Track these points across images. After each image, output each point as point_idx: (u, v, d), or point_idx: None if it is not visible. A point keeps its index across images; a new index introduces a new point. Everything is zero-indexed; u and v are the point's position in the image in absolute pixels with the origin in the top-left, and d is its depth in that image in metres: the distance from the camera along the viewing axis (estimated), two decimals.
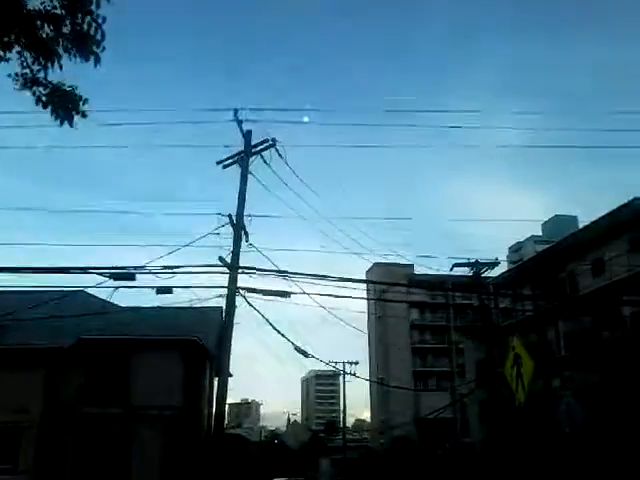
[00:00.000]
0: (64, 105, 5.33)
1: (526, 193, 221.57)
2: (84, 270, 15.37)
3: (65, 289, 19.25)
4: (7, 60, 5.24)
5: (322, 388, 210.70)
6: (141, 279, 15.97)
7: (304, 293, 17.42)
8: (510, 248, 75.83)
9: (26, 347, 25.90)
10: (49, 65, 5.13)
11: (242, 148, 18.08)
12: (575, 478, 26.57)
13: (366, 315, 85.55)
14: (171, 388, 26.52)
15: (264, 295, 17.41)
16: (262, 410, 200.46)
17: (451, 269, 28.25)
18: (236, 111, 17.68)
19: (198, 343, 27.92)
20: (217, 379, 21.19)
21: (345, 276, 16.63)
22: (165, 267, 15.33)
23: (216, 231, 17.18)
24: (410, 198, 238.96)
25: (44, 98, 5.33)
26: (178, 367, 27.43)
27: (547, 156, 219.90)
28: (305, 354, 22.00)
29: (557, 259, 37.72)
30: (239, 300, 17.60)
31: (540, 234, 74.06)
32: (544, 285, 39.35)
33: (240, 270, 17.30)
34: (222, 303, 18.45)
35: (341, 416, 73.49)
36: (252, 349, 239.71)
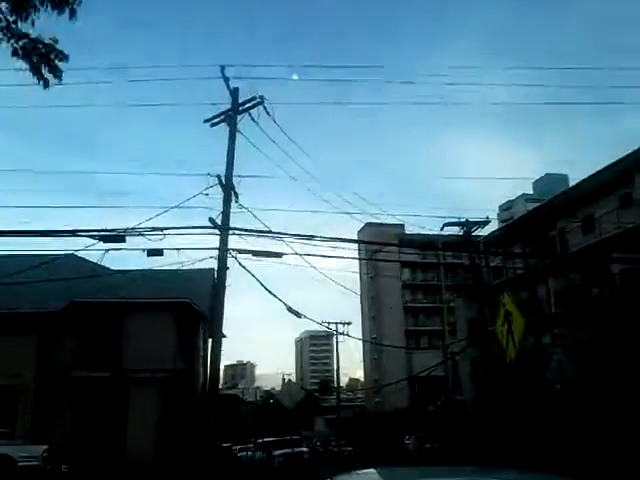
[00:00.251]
0: (43, 59, 5.17)
1: (518, 151, 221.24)
2: (73, 233, 15.22)
3: (55, 252, 19.17)
4: None
5: (316, 348, 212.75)
6: (131, 242, 15.87)
7: (296, 254, 17.37)
8: (501, 207, 75.95)
9: (18, 312, 25.87)
10: (25, 16, 4.95)
11: (230, 106, 17.79)
12: (566, 434, 27.01)
13: (358, 275, 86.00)
14: (164, 350, 26.63)
15: (255, 256, 17.35)
16: (257, 371, 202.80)
17: (442, 228, 28.26)
18: (223, 68, 17.33)
19: (190, 305, 27.97)
20: (211, 341, 21.29)
21: (337, 236, 16.58)
22: (155, 229, 15.21)
23: (205, 192, 17.01)
24: (401, 157, 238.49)
25: (20, 51, 5.17)
26: (171, 329, 27.52)
27: (539, 114, 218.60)
28: (298, 315, 22.01)
29: (547, 217, 37.80)
30: (231, 262, 17.56)
31: (531, 192, 74.19)
32: (534, 243, 39.49)
33: (231, 231, 17.21)
34: (213, 265, 18.41)
35: (335, 376, 74.36)
36: (246, 311, 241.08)
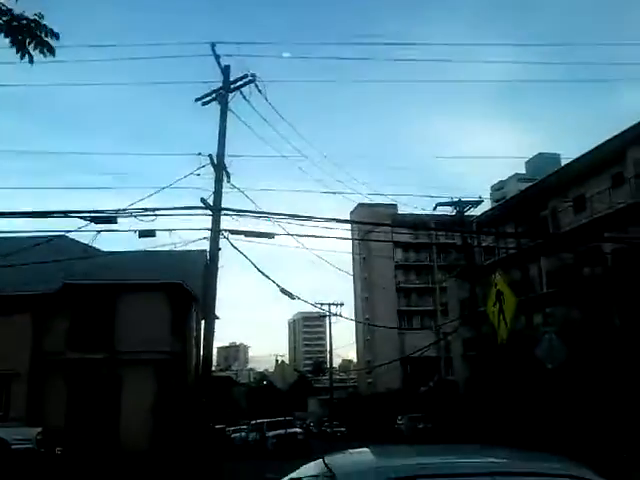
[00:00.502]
0: (27, 35, 5.05)
1: (510, 131, 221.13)
2: (64, 214, 15.13)
3: (46, 234, 19.00)
4: None
5: (309, 330, 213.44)
6: (123, 223, 15.80)
7: (288, 234, 17.33)
8: (493, 186, 76.03)
9: (11, 294, 25.76)
10: None
11: (221, 84, 17.61)
12: (558, 413, 27.21)
13: (351, 256, 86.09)
14: (158, 332, 26.63)
15: (248, 237, 17.29)
16: (250, 353, 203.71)
17: (434, 208, 28.25)
18: (214, 45, 17.11)
19: (183, 286, 27.93)
20: (203, 322, 21.28)
21: (329, 217, 16.54)
22: (146, 209, 15.12)
23: (197, 172, 16.88)
24: (393, 136, 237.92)
25: (5, 26, 5.05)
26: (164, 311, 27.51)
27: (532, 92, 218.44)
28: (291, 296, 21.99)
29: (539, 197, 37.83)
30: (223, 243, 17.50)
31: (524, 172, 74.26)
32: (527, 223, 39.57)
33: (223, 212, 17.13)
34: (206, 246, 18.34)
35: (328, 357, 74.61)
36: (239, 293, 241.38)
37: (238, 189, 17.78)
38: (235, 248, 17.50)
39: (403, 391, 60.33)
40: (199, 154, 16.98)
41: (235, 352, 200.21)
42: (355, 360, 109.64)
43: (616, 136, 29.94)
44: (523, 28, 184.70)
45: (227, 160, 17.48)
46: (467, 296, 39.11)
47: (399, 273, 79.80)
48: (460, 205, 28.11)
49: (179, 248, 20.45)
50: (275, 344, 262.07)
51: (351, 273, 79.11)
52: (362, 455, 4.38)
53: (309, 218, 16.47)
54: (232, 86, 17.57)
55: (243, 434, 41.37)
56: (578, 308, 32.00)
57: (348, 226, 67.53)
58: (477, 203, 29.20)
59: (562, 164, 40.00)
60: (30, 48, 5.29)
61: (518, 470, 3.63)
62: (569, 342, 22.10)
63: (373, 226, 48.87)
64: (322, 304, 50.51)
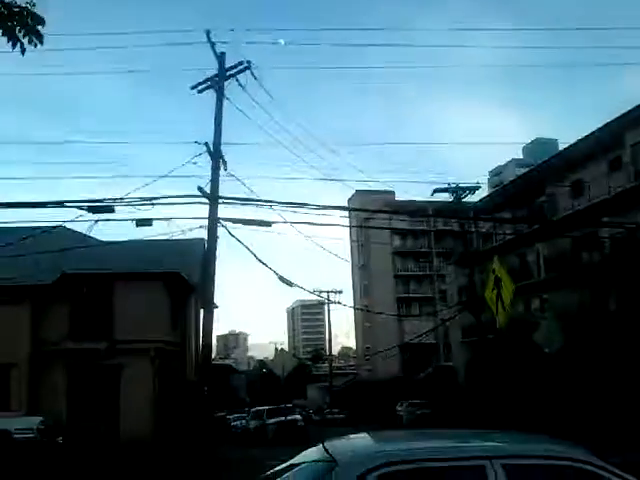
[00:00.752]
0: (19, 24, 4.98)
1: (508, 116, 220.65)
2: (61, 204, 15.11)
3: (43, 224, 18.97)
4: None
5: (308, 317, 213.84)
6: (120, 212, 15.76)
7: (286, 222, 17.32)
8: (491, 172, 75.82)
9: (10, 284, 25.73)
10: None
11: (216, 72, 17.53)
12: (556, 398, 27.35)
13: (349, 244, 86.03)
14: (156, 321, 26.66)
15: (245, 225, 17.31)
16: (250, 341, 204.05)
17: (432, 194, 28.25)
18: (208, 32, 17.02)
19: (181, 276, 27.92)
20: (202, 311, 21.32)
21: (327, 204, 16.54)
22: (143, 199, 15.10)
23: (193, 160, 16.85)
24: (390, 123, 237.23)
25: None
26: (163, 300, 27.52)
27: (530, 77, 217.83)
28: (290, 284, 22.02)
29: (537, 182, 37.78)
30: (221, 231, 17.49)
31: (521, 157, 74.12)
32: (524, 208, 39.55)
33: (220, 200, 17.12)
34: (203, 234, 18.34)
35: (327, 345, 74.85)
36: (238, 281, 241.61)
37: (235, 177, 17.77)
38: (233, 236, 17.52)
39: (402, 377, 60.54)
40: (195, 142, 16.95)
41: (234, 340, 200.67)
42: (354, 347, 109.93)
43: (614, 120, 29.84)
44: (520, 12, 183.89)
45: (224, 148, 17.45)
46: (466, 282, 39.20)
47: (397, 260, 79.71)
48: (458, 191, 28.11)
49: (177, 237, 20.48)
50: (274, 332, 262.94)
51: (349, 260, 79.21)
52: (361, 440, 4.41)
53: (307, 205, 16.47)
54: (228, 73, 17.50)
55: (243, 422, 41.55)
56: (576, 293, 32.04)
57: (346, 213, 67.58)
58: (475, 189, 29.19)
59: (560, 149, 39.93)
60: (20, 36, 5.20)
61: (516, 453, 3.66)
62: (567, 327, 22.23)
63: (371, 213, 48.88)
64: (321, 292, 50.65)
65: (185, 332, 30.87)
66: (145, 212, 15.43)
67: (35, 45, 5.25)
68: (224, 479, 15.31)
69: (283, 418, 32.41)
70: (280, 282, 20.48)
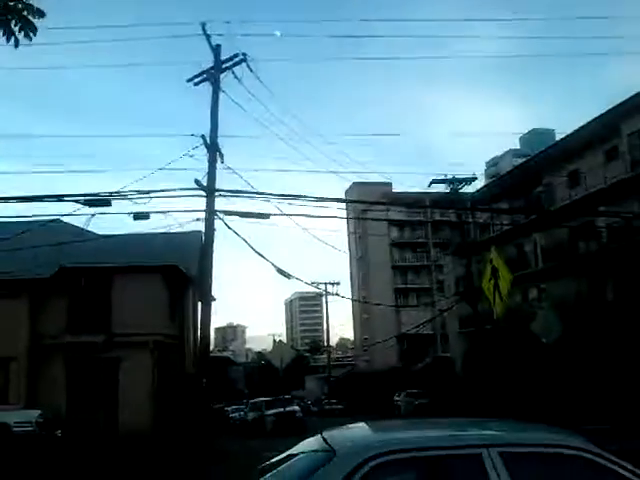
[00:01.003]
0: (16, 17, 4.96)
1: (505, 106, 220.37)
2: (58, 198, 15.11)
3: (41, 218, 18.98)
4: None
5: (306, 309, 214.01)
6: (117, 206, 15.80)
7: (283, 214, 17.35)
8: (487, 163, 75.79)
9: (7, 278, 25.73)
10: None
11: (212, 64, 17.50)
12: (553, 388, 27.44)
13: (346, 235, 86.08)
14: (154, 314, 26.67)
15: (243, 217, 17.33)
16: (248, 333, 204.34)
17: (429, 185, 28.29)
18: (204, 25, 16.98)
19: (178, 269, 27.93)
20: (200, 304, 21.35)
21: (324, 196, 16.55)
22: (140, 192, 15.10)
23: (190, 153, 16.85)
24: (387, 114, 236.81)
25: None
26: (160, 293, 27.54)
27: (526, 67, 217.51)
28: (287, 276, 22.10)
29: (534, 173, 37.80)
30: (218, 224, 17.52)
31: (518, 148, 74.08)
32: (521, 199, 39.58)
33: (217, 193, 17.13)
34: (201, 227, 18.36)
35: (325, 336, 74.98)
36: (235, 274, 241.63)
37: (232, 170, 17.78)
38: (230, 229, 17.56)
39: (400, 368, 60.71)
40: (192, 135, 16.95)
41: (232, 332, 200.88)
42: (352, 338, 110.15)
43: (610, 110, 29.84)
44: (518, 1, 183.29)
45: (220, 141, 17.45)
46: (463, 273, 39.28)
47: (395, 251, 79.82)
48: (454, 182, 28.14)
49: (174, 230, 20.52)
50: (272, 324, 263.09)
51: (347, 252, 79.32)
52: (359, 430, 4.43)
53: (304, 197, 16.48)
54: (223, 66, 17.47)
55: (242, 413, 41.68)
56: (573, 283, 32.12)
57: (344, 205, 67.59)
58: (471, 180, 29.26)
59: (557, 139, 39.93)
60: (16, 30, 5.17)
61: (514, 441, 3.69)
62: (564, 317, 22.28)
63: (368, 205, 48.90)
64: (318, 283, 50.72)
65: (183, 325, 30.91)
66: (142, 205, 15.45)
67: (30, 39, 5.23)
68: (222, 470, 15.37)
69: (281, 409, 32.52)
70: (278, 274, 20.54)
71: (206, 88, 17.57)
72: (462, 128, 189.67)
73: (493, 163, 75.52)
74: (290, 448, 4.23)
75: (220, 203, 17.23)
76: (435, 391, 41.95)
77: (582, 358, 26.86)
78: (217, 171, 17.29)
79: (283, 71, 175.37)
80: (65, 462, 17.53)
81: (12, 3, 4.96)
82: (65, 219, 22.67)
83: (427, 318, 53.08)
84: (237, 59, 17.23)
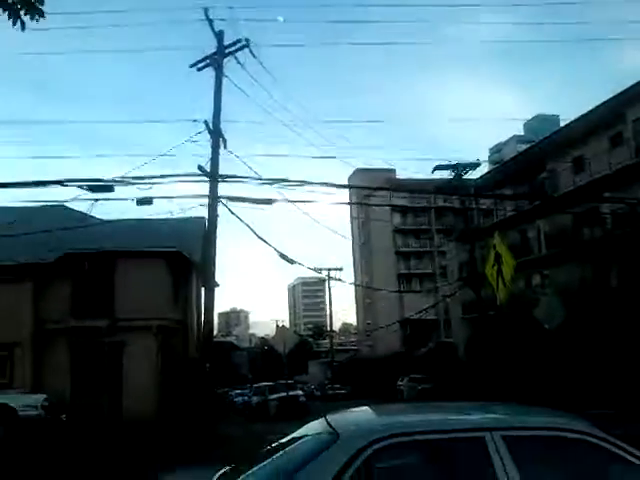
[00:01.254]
0: (22, 1, 4.94)
1: (509, 92, 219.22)
2: (61, 183, 15.06)
3: (44, 203, 18.99)
4: None
5: (308, 294, 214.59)
6: (120, 191, 15.76)
7: (286, 200, 17.33)
8: (491, 149, 75.60)
9: (11, 264, 25.79)
10: None
11: (215, 50, 17.41)
12: (557, 372, 27.51)
13: (349, 221, 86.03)
14: (158, 299, 26.73)
15: (246, 202, 17.29)
16: (251, 318, 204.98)
17: (432, 171, 28.19)
18: (207, 10, 16.87)
19: (182, 254, 27.96)
20: (204, 289, 21.39)
21: (327, 182, 16.51)
22: (143, 177, 15.08)
23: (193, 139, 16.80)
24: (390, 100, 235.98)
25: None
26: (164, 278, 27.59)
27: (531, 52, 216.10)
28: (290, 261, 22.10)
29: (538, 159, 37.65)
30: (221, 210, 17.51)
31: (522, 134, 73.80)
32: (525, 185, 39.46)
33: (220, 178, 17.10)
34: (204, 213, 18.36)
35: (328, 321, 75.00)
36: (239, 259, 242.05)
37: (235, 155, 17.75)
38: (233, 214, 17.54)
39: (403, 353, 60.86)
40: (195, 121, 16.89)
41: (236, 317, 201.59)
42: (355, 323, 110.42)
43: (615, 96, 29.67)
44: None
45: (223, 126, 17.40)
46: (466, 259, 39.26)
47: (398, 237, 79.76)
48: (458, 168, 28.04)
49: (177, 216, 20.54)
50: (275, 309, 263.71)
51: (350, 238, 79.24)
52: (363, 413, 4.45)
53: (307, 183, 16.45)
54: (226, 51, 17.39)
55: (246, 398, 41.90)
56: (577, 269, 32.09)
57: (346, 191, 67.45)
58: (475, 166, 29.13)
59: (561, 125, 39.73)
60: (22, 13, 5.18)
61: (517, 425, 3.69)
62: (568, 303, 22.27)
63: (371, 190, 48.82)
64: (321, 269, 50.74)
65: (187, 310, 30.99)
66: (145, 191, 15.43)
67: (37, 20, 5.23)
68: (225, 453, 15.47)
69: (285, 394, 32.68)
70: (281, 259, 20.55)
71: (209, 74, 17.53)
72: (466, 114, 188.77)
73: (497, 149, 75.32)
74: (294, 432, 4.25)
75: (223, 189, 17.19)
76: (438, 376, 42.06)
77: (586, 344, 26.89)
78: (220, 158, 17.26)
79: (285, 57, 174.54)
80: (70, 445, 17.68)
81: None
82: (68, 204, 22.68)
83: (430, 304, 53.14)
84: (240, 44, 17.15)
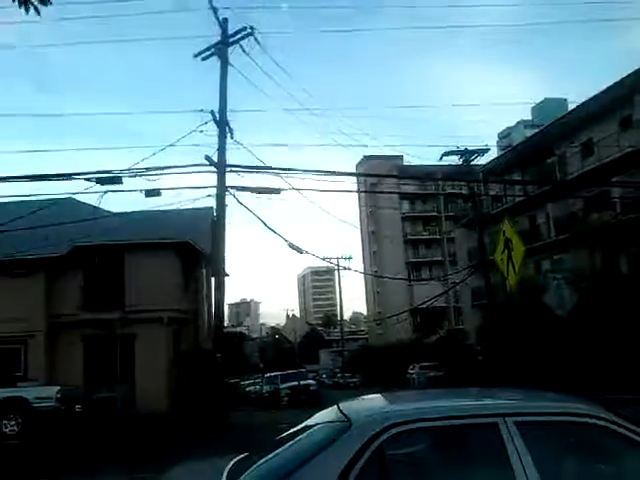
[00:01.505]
0: None
1: (517, 76, 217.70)
2: (69, 176, 15.14)
3: (53, 196, 19.06)
4: None
5: (318, 284, 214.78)
6: (128, 183, 15.82)
7: (294, 189, 17.33)
8: (499, 134, 75.06)
9: (23, 257, 25.92)
10: None
11: (220, 38, 17.34)
12: (570, 358, 27.40)
13: (357, 209, 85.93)
14: (168, 290, 26.85)
15: (254, 192, 17.30)
16: (261, 308, 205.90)
17: (440, 158, 28.02)
18: None
19: (191, 245, 28.04)
20: (213, 280, 21.45)
21: (335, 170, 16.49)
22: (151, 169, 15.11)
23: (200, 129, 16.79)
24: (398, 86, 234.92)
25: None
26: (174, 269, 27.71)
27: (538, 36, 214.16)
28: (300, 251, 22.10)
29: (546, 143, 37.41)
30: (229, 200, 17.52)
31: (530, 118, 73.20)
32: (534, 170, 39.24)
33: (228, 168, 17.09)
34: (212, 203, 18.37)
35: (338, 311, 75.21)
36: (248, 250, 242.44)
37: (242, 145, 17.73)
38: (241, 204, 17.55)
39: (414, 341, 60.89)
40: (201, 111, 16.85)
41: (246, 308, 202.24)
42: (365, 312, 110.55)
43: (624, 79, 29.40)
44: None
45: (230, 115, 17.36)
46: (475, 245, 39.10)
47: (406, 224, 79.54)
48: (466, 154, 27.85)
49: (185, 206, 20.56)
50: (285, 300, 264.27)
51: (358, 227, 79.22)
52: (375, 401, 4.46)
53: (315, 172, 16.43)
54: (231, 39, 17.31)
55: (257, 387, 42.09)
56: (587, 255, 31.93)
57: (354, 179, 67.32)
58: (483, 151, 28.89)
59: (569, 109, 39.42)
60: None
61: (531, 410, 3.67)
62: (579, 289, 22.15)
63: (379, 178, 48.68)
64: (331, 258, 50.78)
65: (197, 300, 31.12)
66: (153, 182, 15.46)
67: (46, 5, 5.25)
68: (237, 442, 15.57)
69: (296, 383, 32.82)
70: (290, 249, 20.57)
71: (215, 64, 17.46)
72: (473, 99, 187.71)
73: (505, 134, 74.77)
74: (306, 420, 4.26)
75: (231, 179, 17.19)
76: (449, 364, 42.00)
77: (598, 329, 26.74)
78: (228, 147, 17.25)
79: (292, 44, 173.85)
80: (85, 435, 17.86)
81: None
82: (77, 197, 22.74)
83: (440, 291, 53.08)
84: (244, 32, 17.05)
